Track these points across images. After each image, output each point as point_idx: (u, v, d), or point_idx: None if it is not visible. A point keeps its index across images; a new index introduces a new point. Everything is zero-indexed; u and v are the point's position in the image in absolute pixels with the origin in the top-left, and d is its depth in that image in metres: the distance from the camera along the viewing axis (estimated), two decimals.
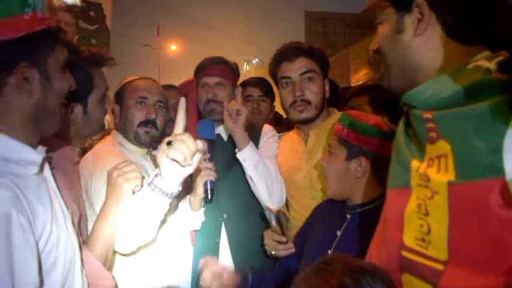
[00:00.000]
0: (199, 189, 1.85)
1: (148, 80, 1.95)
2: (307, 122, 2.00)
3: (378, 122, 1.49)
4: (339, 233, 1.52)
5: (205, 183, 1.83)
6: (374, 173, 1.49)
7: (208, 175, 1.82)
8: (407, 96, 0.95)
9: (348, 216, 1.54)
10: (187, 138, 1.24)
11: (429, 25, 0.95)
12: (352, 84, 8.68)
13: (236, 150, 2.02)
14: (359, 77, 10.73)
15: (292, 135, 2.20)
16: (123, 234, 1.45)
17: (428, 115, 0.90)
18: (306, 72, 1.96)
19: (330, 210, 1.65)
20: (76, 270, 1.18)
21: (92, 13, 5.11)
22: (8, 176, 0.98)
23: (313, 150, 2.00)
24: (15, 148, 1.05)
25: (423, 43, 0.96)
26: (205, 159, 1.84)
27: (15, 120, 1.07)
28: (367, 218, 1.47)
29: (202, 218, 2.00)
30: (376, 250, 1.03)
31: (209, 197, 1.85)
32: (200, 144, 1.27)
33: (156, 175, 1.33)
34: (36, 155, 1.10)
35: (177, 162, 1.24)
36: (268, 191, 2.02)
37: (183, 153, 1.22)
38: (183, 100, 1.36)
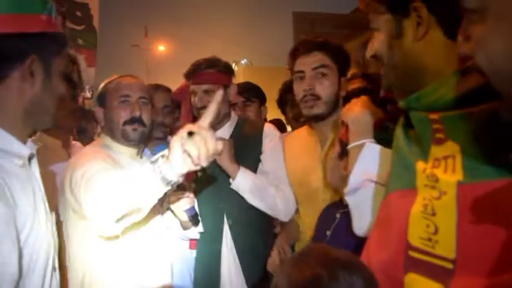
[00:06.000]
0: (184, 219, 1.82)
1: (128, 77, 1.90)
2: (317, 118, 1.92)
3: None
4: (328, 233, 1.53)
5: (186, 212, 1.79)
6: None
7: (184, 204, 1.79)
8: (412, 99, 0.95)
9: (338, 215, 1.55)
10: (210, 137, 1.17)
11: (430, 28, 0.94)
12: None
13: (230, 180, 2.01)
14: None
15: (302, 133, 2.10)
16: (109, 204, 1.33)
17: (434, 116, 0.90)
18: (319, 67, 1.88)
19: (328, 212, 1.65)
20: (47, 273, 1.17)
21: (78, 13, 5.05)
22: None
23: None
24: (2, 138, 1.09)
25: (425, 46, 0.95)
26: (174, 190, 1.75)
27: (9, 110, 1.11)
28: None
29: (200, 229, 1.98)
30: (376, 251, 1.03)
31: (194, 223, 1.83)
32: (220, 146, 1.21)
33: (162, 156, 1.24)
34: (24, 148, 1.13)
35: (190, 157, 1.18)
36: (271, 209, 2.02)
37: (200, 151, 1.16)
38: (220, 92, 1.28)
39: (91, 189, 1.39)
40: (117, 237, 1.54)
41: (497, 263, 0.78)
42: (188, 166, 1.20)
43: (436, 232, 0.88)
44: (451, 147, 0.88)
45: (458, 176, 0.85)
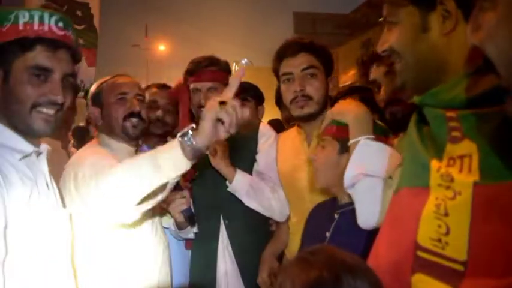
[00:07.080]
0: (180, 220, 1.82)
1: (123, 76, 1.90)
2: (309, 118, 1.93)
3: None
4: (328, 234, 1.52)
5: (183, 213, 1.79)
6: None
7: (180, 205, 1.78)
8: (429, 95, 0.93)
9: (336, 216, 1.54)
10: (238, 106, 1.26)
11: (457, 23, 0.90)
12: (340, 85, 8.69)
13: (227, 183, 2.02)
14: (347, 78, 10.75)
15: (292, 133, 2.13)
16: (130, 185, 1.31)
17: (452, 114, 0.88)
18: (308, 68, 1.89)
19: (320, 212, 1.64)
20: (55, 263, 1.23)
21: (79, 12, 5.04)
22: None
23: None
24: (2, 133, 1.20)
25: (451, 41, 0.92)
26: (172, 191, 1.75)
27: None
28: (354, 216, 1.47)
29: (195, 230, 1.98)
30: (385, 251, 1.01)
31: (191, 223, 1.83)
32: (247, 113, 1.28)
33: (192, 128, 1.27)
34: (21, 144, 1.21)
35: (222, 123, 1.24)
36: (267, 211, 2.04)
37: (232, 118, 1.24)
38: (241, 71, 1.39)
39: (105, 180, 1.36)
40: (136, 223, 1.53)
41: (510, 266, 0.75)
42: (219, 134, 1.26)
43: (447, 233, 0.85)
44: (467, 147, 0.85)
45: (475, 176, 0.83)
